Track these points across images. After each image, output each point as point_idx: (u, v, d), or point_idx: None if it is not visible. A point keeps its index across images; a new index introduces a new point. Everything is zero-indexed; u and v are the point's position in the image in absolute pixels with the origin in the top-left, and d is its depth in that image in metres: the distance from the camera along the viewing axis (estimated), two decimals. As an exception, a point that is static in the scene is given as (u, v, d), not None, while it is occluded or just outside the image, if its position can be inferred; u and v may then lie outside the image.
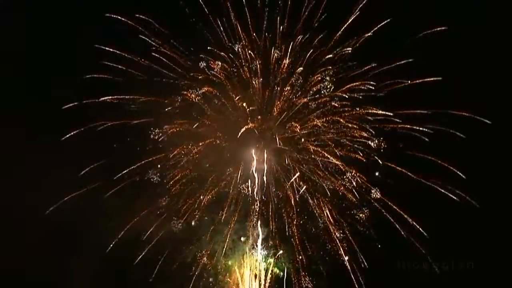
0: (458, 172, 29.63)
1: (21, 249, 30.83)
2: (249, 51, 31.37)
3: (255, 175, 32.76)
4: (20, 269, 30.78)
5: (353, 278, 31.86)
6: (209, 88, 31.97)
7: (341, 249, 32.13)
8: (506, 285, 32.05)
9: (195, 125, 31.91)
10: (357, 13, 30.17)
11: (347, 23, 30.49)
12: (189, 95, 31.84)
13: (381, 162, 31.05)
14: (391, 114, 30.27)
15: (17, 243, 30.86)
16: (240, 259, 34.66)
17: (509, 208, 30.80)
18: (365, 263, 32.03)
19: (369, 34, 30.02)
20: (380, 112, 30.57)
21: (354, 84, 30.77)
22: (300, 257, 33.32)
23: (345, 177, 31.71)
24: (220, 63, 31.59)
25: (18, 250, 30.75)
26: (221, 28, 31.15)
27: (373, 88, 30.35)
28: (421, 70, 29.61)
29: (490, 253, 32.14)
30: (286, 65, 31.55)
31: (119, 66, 30.69)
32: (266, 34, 31.25)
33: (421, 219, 30.93)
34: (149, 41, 31.14)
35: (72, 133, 30.19)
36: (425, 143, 30.05)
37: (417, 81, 29.74)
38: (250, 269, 34.71)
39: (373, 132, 30.99)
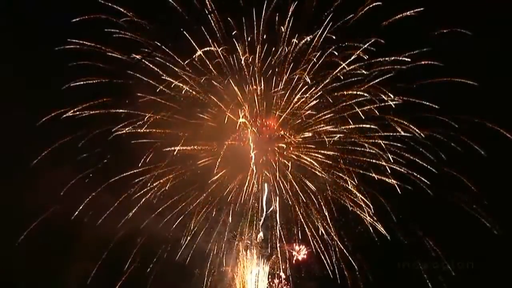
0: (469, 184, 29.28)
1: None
2: (247, 54, 30.22)
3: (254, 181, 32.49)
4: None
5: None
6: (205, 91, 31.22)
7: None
8: (506, 285, 31.98)
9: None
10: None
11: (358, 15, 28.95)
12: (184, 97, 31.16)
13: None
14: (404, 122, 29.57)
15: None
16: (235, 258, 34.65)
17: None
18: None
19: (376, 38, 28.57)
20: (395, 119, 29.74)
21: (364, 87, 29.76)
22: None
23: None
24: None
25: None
26: (217, 27, 29.84)
27: (388, 98, 29.20)
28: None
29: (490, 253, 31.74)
30: (287, 67, 30.52)
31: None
32: (264, 36, 29.94)
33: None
34: (138, 40, 29.99)
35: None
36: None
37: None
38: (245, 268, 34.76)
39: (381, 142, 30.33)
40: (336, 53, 29.19)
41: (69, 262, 31.60)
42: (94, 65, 29.12)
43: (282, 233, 33.63)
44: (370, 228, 31.46)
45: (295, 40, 29.21)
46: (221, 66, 30.47)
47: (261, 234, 34.44)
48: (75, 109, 29.36)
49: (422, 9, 27.89)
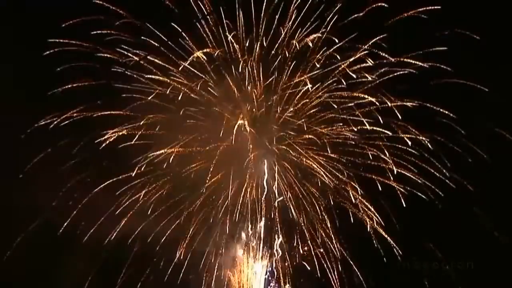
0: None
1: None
2: (246, 57, 29.42)
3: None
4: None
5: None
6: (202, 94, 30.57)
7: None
8: (506, 285, 31.83)
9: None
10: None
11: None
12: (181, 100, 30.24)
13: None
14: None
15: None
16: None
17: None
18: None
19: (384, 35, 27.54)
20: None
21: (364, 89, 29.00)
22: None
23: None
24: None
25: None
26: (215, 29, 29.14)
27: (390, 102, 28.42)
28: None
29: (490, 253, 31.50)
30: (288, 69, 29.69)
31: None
32: (264, 38, 29.08)
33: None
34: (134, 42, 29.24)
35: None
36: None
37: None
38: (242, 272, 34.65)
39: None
40: (338, 57, 28.54)
41: (64, 268, 31.48)
42: (89, 68, 28.64)
43: (281, 234, 33.70)
44: (371, 232, 31.36)
45: (295, 42, 28.48)
46: (219, 68, 29.91)
47: (261, 223, 34.31)
48: (71, 112, 28.99)
49: (439, 7, 26.79)
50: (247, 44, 29.28)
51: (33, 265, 31.60)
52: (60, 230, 30.00)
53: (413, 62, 27.81)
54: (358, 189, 30.86)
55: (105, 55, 28.75)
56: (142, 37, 28.74)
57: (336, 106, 29.87)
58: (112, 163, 30.61)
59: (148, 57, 28.82)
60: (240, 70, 29.72)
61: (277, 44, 29.26)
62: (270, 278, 35.11)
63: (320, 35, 28.01)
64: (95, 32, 27.84)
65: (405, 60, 27.99)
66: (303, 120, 30.67)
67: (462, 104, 28.38)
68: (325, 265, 32.35)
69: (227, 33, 28.80)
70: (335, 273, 32.22)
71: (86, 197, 30.12)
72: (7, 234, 29.70)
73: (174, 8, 28.18)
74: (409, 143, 28.86)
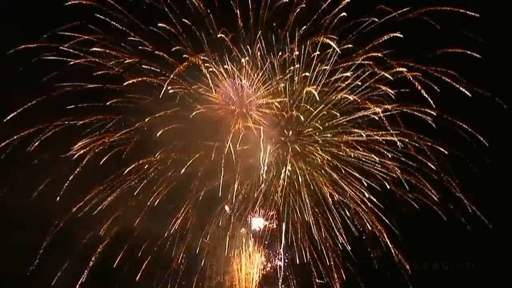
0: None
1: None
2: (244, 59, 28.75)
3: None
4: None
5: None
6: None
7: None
8: (506, 285, 31.87)
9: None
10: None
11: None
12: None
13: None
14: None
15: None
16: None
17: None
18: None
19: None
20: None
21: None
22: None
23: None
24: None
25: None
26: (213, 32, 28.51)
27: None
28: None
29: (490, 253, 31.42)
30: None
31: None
32: (263, 43, 28.57)
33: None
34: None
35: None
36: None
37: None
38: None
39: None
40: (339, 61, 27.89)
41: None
42: (83, 71, 28.09)
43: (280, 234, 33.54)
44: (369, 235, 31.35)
45: (295, 47, 27.79)
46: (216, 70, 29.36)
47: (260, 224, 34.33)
48: (65, 119, 28.52)
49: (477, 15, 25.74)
50: (246, 46, 28.89)
51: (30, 266, 31.62)
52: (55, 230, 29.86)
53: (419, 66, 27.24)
54: (358, 193, 30.62)
55: (99, 60, 28.36)
56: (138, 39, 28.27)
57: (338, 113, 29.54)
58: (108, 165, 30.08)
59: (144, 60, 28.29)
60: (238, 72, 29.35)
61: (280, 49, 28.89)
62: (267, 278, 35.24)
63: (321, 38, 27.33)
64: (89, 36, 27.48)
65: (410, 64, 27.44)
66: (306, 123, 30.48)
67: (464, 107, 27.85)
68: (323, 267, 32.43)
69: (224, 36, 28.27)
70: (334, 274, 32.31)
71: (82, 199, 29.75)
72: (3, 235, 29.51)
73: (170, 10, 27.69)
74: (413, 149, 28.86)
